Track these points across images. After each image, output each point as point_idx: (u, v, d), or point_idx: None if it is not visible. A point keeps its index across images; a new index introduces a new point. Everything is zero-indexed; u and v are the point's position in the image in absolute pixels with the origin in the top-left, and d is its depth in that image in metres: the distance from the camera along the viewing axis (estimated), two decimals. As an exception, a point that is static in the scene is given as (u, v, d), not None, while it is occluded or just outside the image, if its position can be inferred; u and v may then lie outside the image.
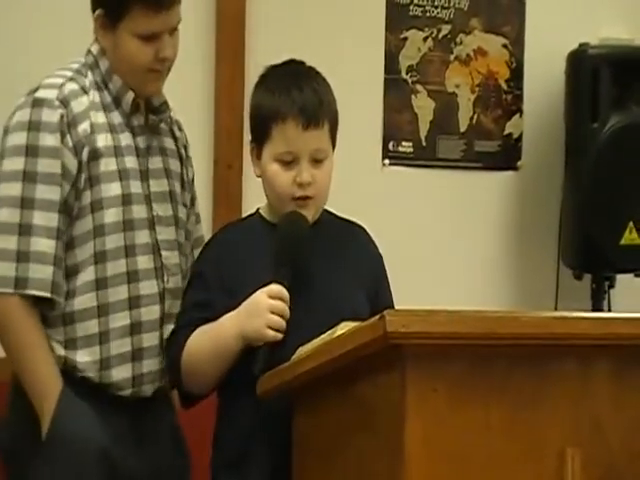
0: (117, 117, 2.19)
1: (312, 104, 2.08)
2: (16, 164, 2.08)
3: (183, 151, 2.38)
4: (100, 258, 2.13)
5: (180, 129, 2.40)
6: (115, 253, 2.14)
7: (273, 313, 1.98)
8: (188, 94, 3.30)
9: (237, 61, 3.33)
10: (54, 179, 2.08)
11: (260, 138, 2.12)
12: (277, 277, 2.02)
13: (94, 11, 2.17)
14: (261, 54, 3.32)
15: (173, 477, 2.23)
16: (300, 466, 1.93)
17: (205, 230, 3.23)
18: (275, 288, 2.00)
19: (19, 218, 2.06)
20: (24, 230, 2.05)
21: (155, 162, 2.26)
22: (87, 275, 2.13)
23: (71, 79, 2.15)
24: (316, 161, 2.09)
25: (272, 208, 2.16)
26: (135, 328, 2.15)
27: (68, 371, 2.11)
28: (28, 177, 2.06)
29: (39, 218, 2.06)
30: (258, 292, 2.00)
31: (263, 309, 1.98)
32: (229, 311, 2.04)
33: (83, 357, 2.12)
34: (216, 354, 2.04)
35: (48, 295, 2.07)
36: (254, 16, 3.37)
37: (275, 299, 1.99)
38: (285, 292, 2.00)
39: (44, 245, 2.06)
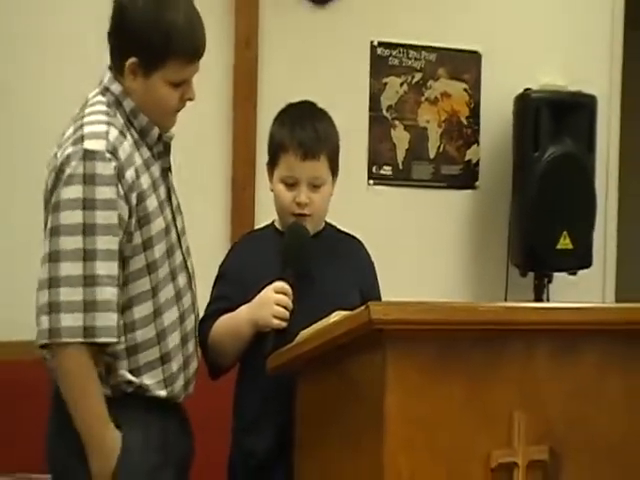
0: (145, 152, 1.92)
1: (310, 140, 2.04)
2: (75, 218, 1.78)
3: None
4: (155, 291, 1.89)
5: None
6: (165, 281, 1.91)
7: (278, 305, 1.96)
8: (211, 130, 3.31)
9: (250, 104, 3.32)
10: (112, 230, 1.80)
11: (272, 162, 2.11)
12: (283, 275, 2.00)
13: (124, 56, 1.89)
14: (270, 97, 3.32)
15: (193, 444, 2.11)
16: (301, 428, 1.92)
17: (223, 236, 3.26)
18: (280, 284, 1.99)
19: (82, 270, 1.77)
20: (89, 281, 1.77)
21: (169, 180, 2.02)
22: (145, 309, 1.88)
23: (109, 123, 1.86)
24: (314, 186, 2.06)
25: (280, 221, 2.14)
26: (184, 341, 1.96)
27: (140, 392, 1.89)
28: (88, 230, 1.78)
29: (101, 268, 1.78)
30: (267, 288, 1.99)
31: (270, 302, 1.97)
32: (245, 303, 2.03)
33: (150, 380, 1.89)
34: (234, 336, 2.04)
35: (115, 340, 1.81)
36: (264, 66, 3.35)
37: (280, 294, 1.98)
38: (288, 288, 1.99)
39: (108, 293, 1.79)
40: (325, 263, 2.09)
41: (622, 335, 1.84)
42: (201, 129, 3.25)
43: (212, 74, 3.25)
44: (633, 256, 4.48)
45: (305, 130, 2.05)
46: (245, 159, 3.31)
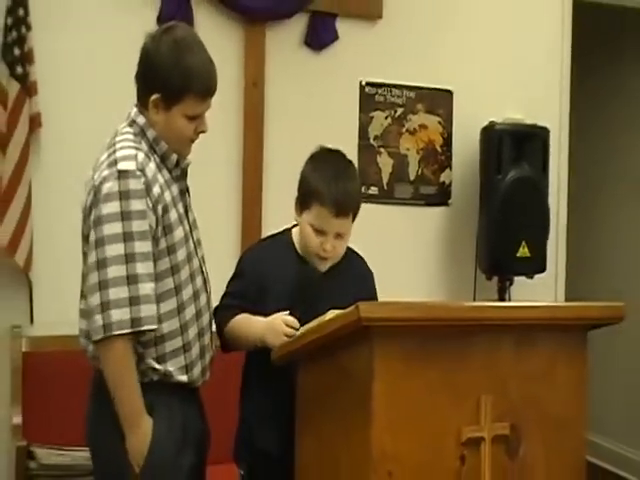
0: (166, 173, 1.91)
1: (345, 200, 1.94)
2: (115, 228, 1.77)
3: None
4: (178, 289, 1.88)
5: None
6: (186, 282, 1.90)
7: (286, 336, 1.90)
8: (224, 158, 3.31)
9: (258, 135, 3.32)
10: (146, 235, 1.80)
11: (302, 202, 1.99)
12: (293, 312, 1.93)
13: (149, 92, 1.88)
14: (275, 130, 3.33)
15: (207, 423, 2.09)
16: (301, 411, 1.91)
17: (235, 246, 3.25)
18: (291, 319, 1.91)
19: (126, 271, 1.77)
20: (132, 280, 1.77)
21: (187, 199, 2.00)
22: (170, 304, 1.87)
23: (137, 148, 1.86)
24: (339, 235, 1.98)
25: (301, 247, 2.04)
26: (200, 334, 1.94)
27: (164, 379, 1.88)
28: (127, 237, 1.78)
29: (141, 268, 1.78)
30: (280, 316, 1.92)
31: (279, 332, 1.90)
32: (258, 300, 1.98)
33: (173, 366, 1.88)
34: (245, 340, 1.99)
35: (156, 327, 1.81)
36: (270, 103, 3.35)
37: (289, 327, 1.91)
38: (297, 323, 1.91)
39: (148, 288, 1.79)
40: (332, 287, 2.00)
41: (571, 329, 1.84)
42: (216, 158, 3.26)
43: (225, 110, 3.26)
44: (580, 262, 4.49)
45: (339, 189, 1.93)
46: (253, 183, 3.31)
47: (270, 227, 2.24)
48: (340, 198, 1.93)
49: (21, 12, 2.92)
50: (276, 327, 1.92)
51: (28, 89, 2.93)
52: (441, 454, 1.66)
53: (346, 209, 1.95)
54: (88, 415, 1.95)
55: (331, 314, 1.74)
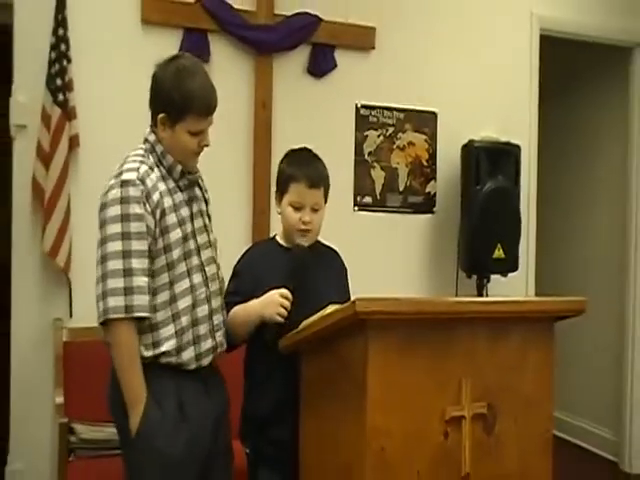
0: (171, 183, 1.93)
1: (315, 175, 2.03)
2: (116, 229, 1.82)
3: (207, 195, 2.10)
4: (172, 283, 1.89)
5: (202, 180, 2.09)
6: (181, 277, 1.90)
7: (281, 306, 1.93)
8: (237, 171, 3.31)
9: (266, 151, 3.32)
10: (142, 235, 1.83)
11: (282, 190, 2.06)
12: (287, 284, 1.97)
13: (157, 113, 1.92)
14: (281, 146, 3.24)
15: (225, 407, 2.06)
16: (305, 393, 1.91)
17: (247, 245, 3.23)
18: (285, 291, 1.95)
19: (122, 265, 1.81)
20: (127, 273, 1.80)
21: (195, 207, 1.99)
22: (164, 296, 1.88)
23: (142, 162, 1.90)
24: (314, 210, 2.05)
25: (285, 236, 2.10)
26: (194, 323, 1.92)
27: (155, 361, 1.88)
28: (125, 236, 1.82)
29: (136, 263, 1.81)
30: (274, 291, 1.96)
31: (276, 303, 1.94)
32: (253, 296, 1.99)
33: (165, 349, 1.88)
34: (245, 322, 2.00)
35: (147, 315, 1.84)
36: (277, 122, 3.36)
37: (283, 298, 1.94)
38: (290, 295, 1.95)
39: (141, 281, 1.82)
40: (316, 272, 2.06)
41: (539, 320, 1.85)
42: (230, 170, 3.27)
43: (237, 128, 3.28)
44: (547, 263, 4.50)
45: (310, 168, 2.04)
46: (262, 192, 3.31)
47: (276, 229, 2.24)
48: (311, 173, 2.03)
49: (63, 47, 2.96)
50: (272, 299, 1.94)
51: (68, 114, 2.96)
52: (427, 431, 1.68)
53: (317, 182, 2.03)
54: (110, 394, 1.95)
55: (330, 309, 1.75)
